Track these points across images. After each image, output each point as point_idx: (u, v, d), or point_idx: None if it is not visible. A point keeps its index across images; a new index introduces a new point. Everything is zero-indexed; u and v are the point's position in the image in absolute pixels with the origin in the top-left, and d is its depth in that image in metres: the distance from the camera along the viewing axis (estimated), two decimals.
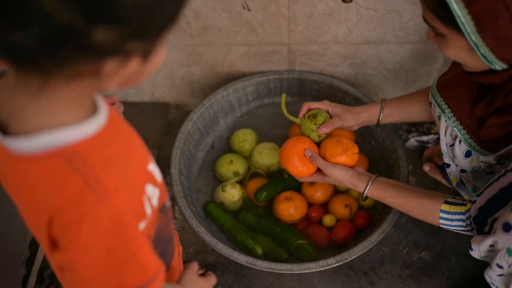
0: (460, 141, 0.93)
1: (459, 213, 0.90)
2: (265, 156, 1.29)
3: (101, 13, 0.39)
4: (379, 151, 1.32)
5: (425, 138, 1.41)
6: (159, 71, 1.42)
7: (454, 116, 0.93)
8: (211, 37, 1.29)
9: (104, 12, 0.39)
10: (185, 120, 1.29)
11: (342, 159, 1.04)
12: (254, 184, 1.26)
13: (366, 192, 1.02)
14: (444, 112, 0.95)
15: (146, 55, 0.46)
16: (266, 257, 1.18)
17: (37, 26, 0.38)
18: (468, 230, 0.90)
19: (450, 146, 0.99)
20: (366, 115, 1.12)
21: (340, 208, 1.23)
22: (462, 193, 1.08)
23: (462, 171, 1.00)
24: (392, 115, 1.12)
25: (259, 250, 1.16)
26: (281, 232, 1.18)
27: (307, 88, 1.40)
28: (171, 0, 0.42)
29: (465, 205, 0.90)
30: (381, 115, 1.12)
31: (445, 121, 0.95)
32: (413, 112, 1.12)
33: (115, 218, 0.50)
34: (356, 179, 1.03)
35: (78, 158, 0.48)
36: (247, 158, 1.33)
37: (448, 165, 1.03)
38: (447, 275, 1.22)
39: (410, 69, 1.37)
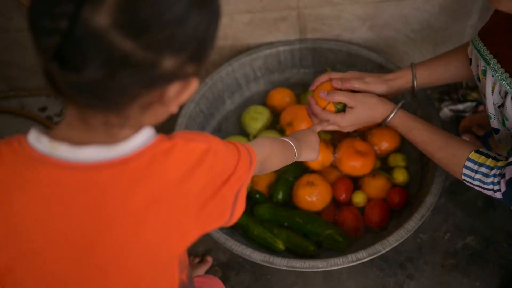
0: None
1: (487, 166, 0.78)
2: None
3: (167, 44, 0.42)
4: None
5: (460, 106, 1.23)
6: None
7: (501, 67, 0.76)
8: None
9: (170, 43, 0.43)
10: (187, 102, 1.14)
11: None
12: (258, 175, 1.11)
13: (393, 114, 0.90)
14: (489, 64, 0.78)
15: (198, 75, 0.49)
16: (289, 251, 1.02)
17: (118, 68, 0.42)
18: (490, 190, 0.79)
19: (499, 106, 0.81)
20: (399, 82, 0.96)
21: (374, 183, 1.06)
22: None
23: None
24: (428, 78, 0.96)
25: (281, 244, 1.00)
26: (305, 225, 1.02)
27: (323, 58, 1.23)
28: (214, 22, 0.47)
29: (497, 160, 0.79)
30: (415, 80, 0.95)
31: (492, 75, 0.78)
32: (450, 73, 0.96)
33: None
34: (383, 102, 0.92)
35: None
36: None
37: (497, 131, 0.86)
38: (499, 263, 1.04)
39: (439, 28, 1.19)
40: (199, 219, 0.53)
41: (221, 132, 1.22)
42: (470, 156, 0.80)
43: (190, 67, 0.47)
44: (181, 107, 1.13)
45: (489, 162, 0.78)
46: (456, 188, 1.14)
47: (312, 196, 1.04)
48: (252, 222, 1.03)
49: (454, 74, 0.96)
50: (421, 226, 1.07)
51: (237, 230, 1.05)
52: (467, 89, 1.24)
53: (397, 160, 1.10)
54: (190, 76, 0.48)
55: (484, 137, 1.14)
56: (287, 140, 0.81)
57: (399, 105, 0.91)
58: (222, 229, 0.99)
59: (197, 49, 0.46)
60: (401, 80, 0.96)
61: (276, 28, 1.20)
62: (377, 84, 0.94)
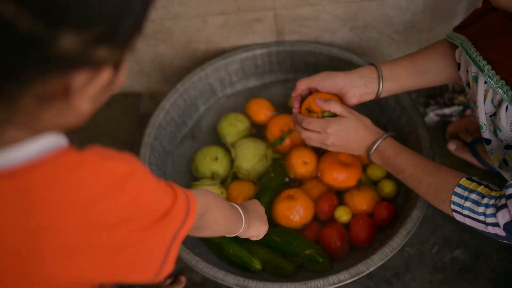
0: (507, 107, 0.70)
1: (478, 193, 0.71)
2: (247, 158, 1.05)
3: (64, 15, 0.34)
4: (394, 131, 1.08)
5: (447, 111, 1.17)
6: None
7: (497, 74, 0.69)
8: (179, 7, 1.06)
9: (68, 15, 0.34)
10: (155, 110, 1.06)
11: None
12: (238, 188, 1.03)
13: (378, 143, 0.84)
14: (483, 71, 0.71)
15: (116, 65, 0.41)
16: (267, 272, 0.95)
17: None
18: (482, 222, 0.70)
19: (491, 116, 0.75)
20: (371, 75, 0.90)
21: (359, 196, 0.99)
22: (506, 175, 0.85)
23: (508, 147, 0.77)
24: (398, 80, 0.88)
25: (257, 264, 0.93)
26: (282, 243, 0.95)
27: (302, 61, 1.16)
28: (137, 0, 0.38)
29: (490, 189, 0.72)
30: (380, 85, 0.88)
31: (484, 82, 0.72)
32: (426, 75, 0.88)
33: None
34: (375, 127, 0.88)
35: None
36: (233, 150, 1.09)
37: (489, 141, 0.79)
38: (489, 277, 0.98)
39: (424, 29, 1.13)
40: (112, 263, 0.42)
41: (195, 140, 1.15)
42: (461, 182, 0.73)
43: (101, 52, 0.38)
44: (149, 116, 1.06)
45: (480, 189, 0.72)
46: None
47: (293, 211, 0.97)
48: (227, 240, 0.96)
49: (431, 78, 0.88)
50: (408, 239, 1.01)
51: (211, 249, 0.98)
52: (453, 92, 1.18)
53: (383, 170, 1.04)
54: (102, 63, 0.38)
55: (472, 143, 1.08)
56: (236, 206, 0.73)
57: (385, 135, 0.86)
58: (193, 248, 0.92)
59: (109, 28, 0.37)
60: (362, 69, 0.91)
61: (251, 30, 1.13)
62: (328, 74, 0.90)
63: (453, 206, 0.73)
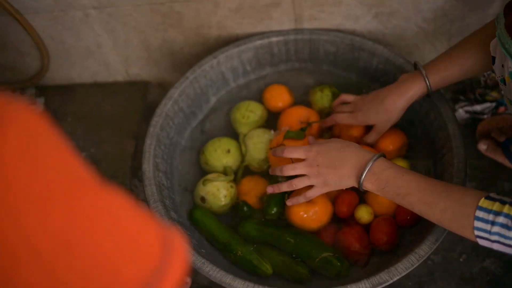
0: None
1: (506, 215, 0.62)
2: (259, 149, 0.98)
3: None
4: (420, 128, 0.99)
5: (478, 107, 1.07)
6: (130, 41, 1.11)
7: None
8: None
9: None
10: (163, 99, 0.99)
11: None
12: (250, 183, 0.95)
13: (372, 162, 0.74)
14: None
15: None
16: (278, 276, 0.87)
17: None
18: None
19: None
20: (411, 94, 0.86)
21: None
22: None
23: None
24: (441, 81, 0.83)
25: (268, 268, 0.85)
26: (296, 245, 0.87)
27: (321, 51, 1.08)
28: None
29: None
30: (429, 85, 0.83)
31: None
32: (466, 70, 0.82)
33: None
34: (359, 149, 0.79)
35: None
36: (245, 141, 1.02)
37: None
38: None
39: (456, 18, 1.03)
40: None
41: (204, 134, 1.07)
42: (480, 204, 0.64)
43: None
44: (156, 106, 0.98)
45: (506, 209, 0.62)
46: None
47: (309, 212, 0.89)
48: (235, 240, 0.88)
49: (470, 70, 0.82)
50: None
51: (218, 250, 0.90)
52: (485, 88, 1.09)
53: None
54: None
55: (505, 143, 0.99)
56: None
57: (377, 155, 0.76)
58: (199, 249, 0.84)
59: None
60: (412, 91, 0.85)
61: (268, 15, 1.04)
62: (382, 115, 0.88)
63: (477, 233, 0.64)
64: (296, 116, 1.00)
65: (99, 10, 1.03)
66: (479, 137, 1.04)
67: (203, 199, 0.93)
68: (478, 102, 1.08)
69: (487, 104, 1.07)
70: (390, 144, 0.95)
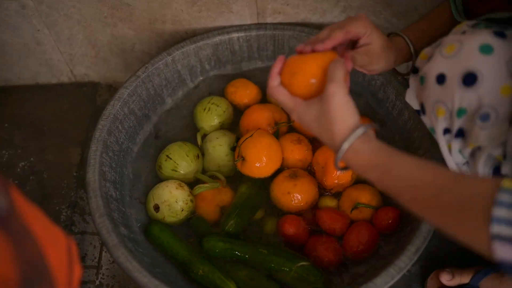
0: None
1: None
2: (219, 153, 0.89)
3: None
4: (394, 128, 0.93)
5: None
6: (74, 36, 1.00)
7: None
8: None
9: None
10: (111, 100, 0.88)
11: None
12: (208, 191, 0.86)
13: (348, 140, 0.54)
14: None
15: None
16: None
17: None
18: None
19: None
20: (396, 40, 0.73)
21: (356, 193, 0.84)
22: None
23: None
24: (418, 34, 0.74)
25: (232, 287, 0.76)
26: (270, 255, 0.78)
27: (286, 47, 1.00)
28: None
29: None
30: (411, 46, 0.72)
31: None
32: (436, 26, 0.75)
33: None
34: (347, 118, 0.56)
35: None
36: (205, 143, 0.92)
37: None
38: None
39: (426, 11, 0.98)
40: None
41: (160, 139, 0.97)
42: (503, 184, 0.41)
43: None
44: (103, 107, 0.87)
45: None
46: None
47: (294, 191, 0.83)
48: (196, 258, 0.78)
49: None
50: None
51: (176, 268, 0.80)
52: None
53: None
54: None
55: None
56: None
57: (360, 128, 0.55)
58: (152, 268, 0.74)
59: None
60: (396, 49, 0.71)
61: (228, 8, 0.96)
62: (374, 33, 0.65)
63: (497, 229, 0.39)
64: (262, 118, 0.91)
65: (38, 1, 0.92)
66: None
67: (156, 207, 0.83)
68: None
69: None
70: None
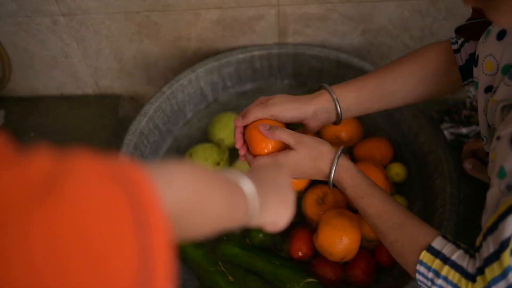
0: None
1: (445, 279, 0.57)
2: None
3: None
4: (409, 152, 0.95)
5: (464, 130, 1.05)
6: (101, 51, 1.03)
7: None
8: None
9: None
10: (137, 115, 0.91)
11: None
12: None
13: (332, 176, 0.68)
14: None
15: None
16: None
17: None
18: None
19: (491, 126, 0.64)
20: (316, 102, 0.74)
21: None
22: None
23: None
24: (358, 98, 0.74)
25: None
26: (282, 267, 0.81)
27: (306, 66, 1.03)
28: None
29: (467, 251, 0.58)
30: (337, 106, 0.73)
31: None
32: (394, 93, 0.75)
33: None
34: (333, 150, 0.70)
35: None
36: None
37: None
38: None
39: (442, 37, 1.01)
40: None
41: (180, 152, 1.00)
42: (421, 257, 0.59)
43: None
44: (128, 122, 0.91)
45: (445, 271, 0.56)
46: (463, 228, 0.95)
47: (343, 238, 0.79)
48: (209, 268, 0.81)
49: (400, 96, 0.74)
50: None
51: (199, 279, 0.83)
52: (471, 109, 1.07)
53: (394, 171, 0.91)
54: None
55: None
56: (234, 176, 0.46)
57: (340, 150, 0.69)
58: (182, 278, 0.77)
59: None
60: (319, 99, 0.73)
61: (251, 28, 0.99)
62: (285, 104, 0.71)
63: (419, 282, 0.61)
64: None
65: (69, 18, 0.95)
66: (465, 157, 1.01)
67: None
68: (464, 124, 1.06)
69: (473, 127, 1.04)
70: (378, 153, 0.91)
